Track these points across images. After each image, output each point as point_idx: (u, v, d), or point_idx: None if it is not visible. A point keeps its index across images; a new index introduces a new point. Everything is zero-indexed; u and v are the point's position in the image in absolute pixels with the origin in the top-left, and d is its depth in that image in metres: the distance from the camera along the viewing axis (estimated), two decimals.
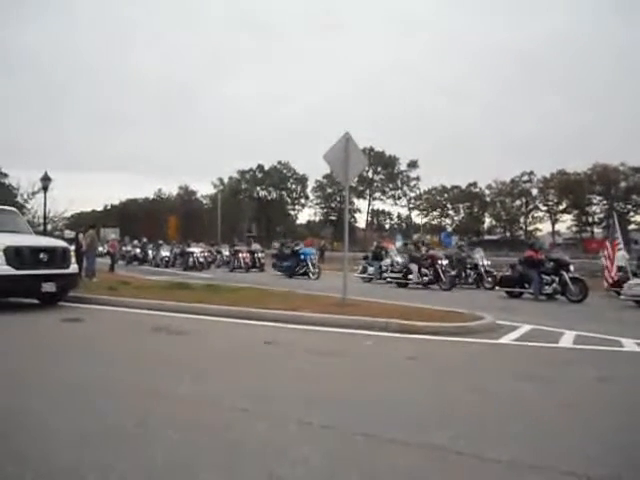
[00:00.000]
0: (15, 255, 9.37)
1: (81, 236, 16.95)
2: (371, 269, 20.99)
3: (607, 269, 15.70)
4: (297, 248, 22.95)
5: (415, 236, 72.52)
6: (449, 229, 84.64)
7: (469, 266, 18.34)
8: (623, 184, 72.86)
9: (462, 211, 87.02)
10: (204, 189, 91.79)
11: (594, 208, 76.85)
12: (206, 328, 8.11)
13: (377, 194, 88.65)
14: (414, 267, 17.70)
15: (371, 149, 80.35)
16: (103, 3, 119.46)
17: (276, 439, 3.36)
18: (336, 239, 64.09)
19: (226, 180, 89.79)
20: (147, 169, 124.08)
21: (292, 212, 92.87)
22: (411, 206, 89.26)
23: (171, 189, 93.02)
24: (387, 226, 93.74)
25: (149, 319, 8.64)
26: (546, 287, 14.23)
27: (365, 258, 22.26)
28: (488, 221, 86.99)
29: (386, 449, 3.25)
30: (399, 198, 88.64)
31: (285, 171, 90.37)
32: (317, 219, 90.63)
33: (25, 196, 25.61)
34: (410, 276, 17.76)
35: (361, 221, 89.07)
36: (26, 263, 9.49)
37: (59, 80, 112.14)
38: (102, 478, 2.75)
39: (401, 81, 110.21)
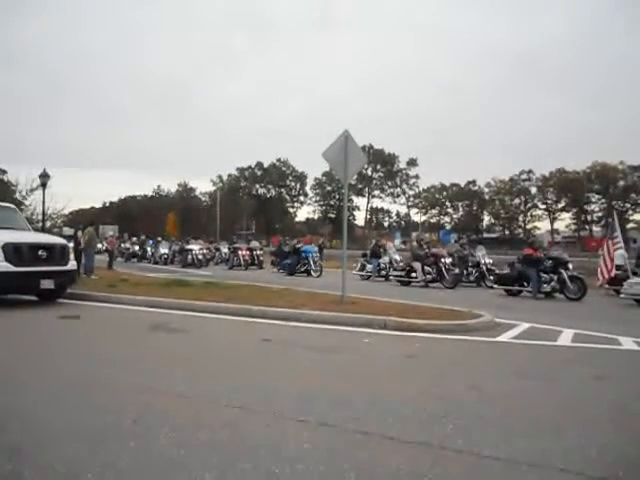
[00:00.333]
0: (13, 252, 9.35)
1: (80, 233, 16.94)
2: (369, 267, 20.99)
3: (601, 266, 15.68)
4: (299, 246, 22.90)
5: (414, 234, 72.60)
6: (448, 227, 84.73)
7: (471, 264, 18.32)
8: (622, 183, 72.92)
9: (461, 209, 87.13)
10: (203, 186, 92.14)
11: (593, 206, 77.11)
12: (205, 325, 8.11)
13: (376, 192, 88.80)
14: (417, 265, 17.68)
15: (370, 147, 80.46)
16: (105, 1, 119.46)
17: (273, 437, 3.35)
18: (335, 237, 64.13)
19: (225, 177, 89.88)
20: (146, 166, 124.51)
21: (291, 210, 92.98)
22: (410, 204, 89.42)
23: (170, 186, 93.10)
24: (386, 224, 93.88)
25: (147, 316, 8.64)
26: (545, 285, 14.23)
27: (364, 256, 22.25)
28: (487, 219, 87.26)
29: (384, 447, 3.25)
30: (398, 196, 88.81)
31: (284, 169, 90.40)
32: (316, 217, 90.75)
33: (24, 193, 25.53)
34: (413, 274, 17.74)
35: (360, 219, 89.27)
36: (24, 260, 9.47)
37: (59, 77, 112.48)
38: (99, 475, 2.74)
39: (401, 79, 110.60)
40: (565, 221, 79.23)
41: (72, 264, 10.56)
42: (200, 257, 27.13)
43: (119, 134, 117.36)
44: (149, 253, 31.72)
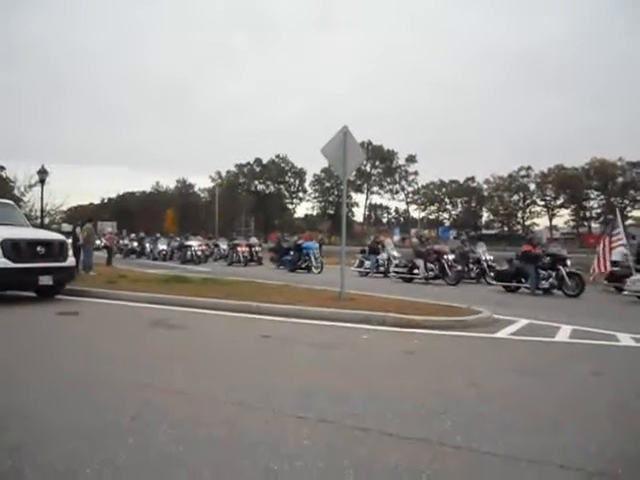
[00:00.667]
0: (12, 248, 9.34)
1: (78, 229, 16.90)
2: (368, 263, 21.00)
3: (596, 260, 15.64)
4: (300, 242, 22.86)
5: (413, 230, 72.70)
6: (447, 223, 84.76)
7: (471, 260, 18.32)
8: (620, 179, 72.94)
9: (460, 205, 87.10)
10: (202, 183, 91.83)
11: (591, 203, 77.07)
12: (204, 322, 8.11)
13: (375, 188, 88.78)
14: (420, 262, 17.68)
15: (369, 143, 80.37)
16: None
17: (272, 433, 3.36)
18: (334, 233, 64.13)
19: (224, 174, 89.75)
20: (145, 163, 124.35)
21: (290, 206, 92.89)
22: (409, 200, 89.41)
23: (169, 182, 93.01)
24: (385, 220, 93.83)
25: (146, 312, 8.64)
26: (543, 282, 14.23)
27: (362, 252, 22.26)
28: (486, 215, 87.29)
29: (383, 443, 3.25)
30: (397, 192, 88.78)
31: (283, 165, 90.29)
32: (315, 213, 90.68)
33: (22, 189, 25.50)
34: (415, 271, 17.74)
35: (359, 215, 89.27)
36: (23, 256, 9.46)
37: (59, 74, 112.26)
38: (98, 471, 2.75)
39: (400, 77, 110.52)
40: (564, 217, 79.36)
41: (71, 260, 10.55)
42: (199, 253, 27.14)
43: (118, 131, 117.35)
44: (148, 249, 31.70)
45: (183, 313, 8.59)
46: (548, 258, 14.37)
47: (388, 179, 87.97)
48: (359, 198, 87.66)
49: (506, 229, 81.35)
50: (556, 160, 76.64)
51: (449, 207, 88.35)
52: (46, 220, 22.53)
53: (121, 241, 35.59)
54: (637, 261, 14.91)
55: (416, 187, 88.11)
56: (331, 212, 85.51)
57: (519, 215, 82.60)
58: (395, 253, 20.80)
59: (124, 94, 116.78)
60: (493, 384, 4.86)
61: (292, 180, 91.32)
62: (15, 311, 8.82)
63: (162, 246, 30.16)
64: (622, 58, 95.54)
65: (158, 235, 33.90)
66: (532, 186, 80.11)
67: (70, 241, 12.29)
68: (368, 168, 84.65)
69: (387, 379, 4.92)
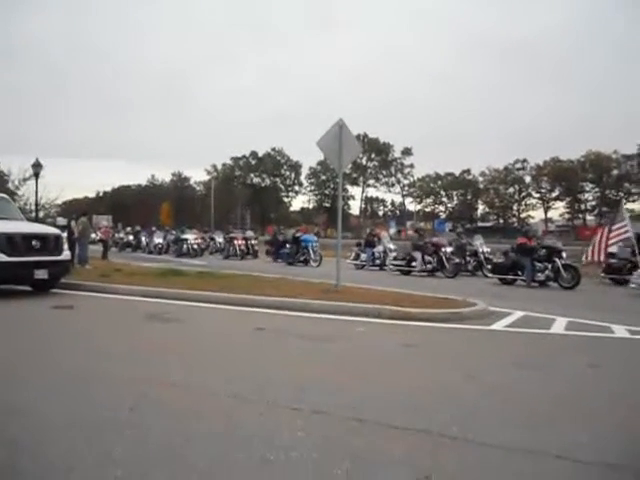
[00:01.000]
0: (7, 242, 9.30)
1: (73, 223, 16.82)
2: (364, 256, 20.99)
3: (590, 248, 15.59)
4: (298, 235, 22.80)
5: (409, 223, 72.79)
6: (442, 216, 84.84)
7: (468, 253, 18.34)
8: (615, 172, 73.08)
9: (455, 198, 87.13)
10: (197, 176, 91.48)
11: (586, 195, 77.20)
12: (199, 315, 8.10)
13: (371, 181, 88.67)
14: (417, 255, 17.69)
15: (365, 135, 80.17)
16: None
17: (268, 425, 3.36)
18: (330, 226, 64.13)
19: (219, 167, 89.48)
20: (140, 156, 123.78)
21: (286, 199, 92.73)
22: (405, 193, 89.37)
23: (164, 176, 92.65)
24: (381, 213, 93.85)
25: (142, 306, 8.62)
26: (539, 274, 14.25)
27: (358, 245, 22.25)
28: (481, 208, 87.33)
29: (379, 434, 3.26)
30: (393, 185, 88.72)
31: (279, 158, 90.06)
32: (311, 206, 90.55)
33: (16, 183, 25.41)
34: (413, 263, 17.76)
35: (355, 208, 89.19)
36: (18, 250, 9.42)
37: (55, 68, 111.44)
38: (97, 464, 2.75)
39: (396, 69, 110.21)
40: (559, 210, 79.49)
41: (66, 254, 10.51)
42: (195, 247, 27.08)
43: (114, 125, 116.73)
44: (143, 243, 31.61)
45: (179, 306, 8.58)
46: (544, 250, 14.40)
47: (384, 172, 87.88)
48: (355, 191, 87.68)
49: (501, 222, 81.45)
50: (552, 153, 76.75)
51: (445, 200, 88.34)
52: (41, 214, 22.49)
53: (116, 235, 35.49)
54: (633, 253, 14.91)
55: (412, 180, 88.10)
56: (327, 205, 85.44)
57: (514, 208, 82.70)
58: (391, 246, 20.81)
59: (121, 88, 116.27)
60: (489, 376, 4.88)
61: (288, 173, 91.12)
62: (10, 305, 8.79)
63: (158, 239, 30.06)
64: (617, 48, 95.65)
65: (154, 228, 33.81)
66: (527, 179, 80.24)
67: (65, 235, 12.23)
68: (364, 161, 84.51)
69: (383, 371, 4.93)
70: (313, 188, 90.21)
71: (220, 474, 2.71)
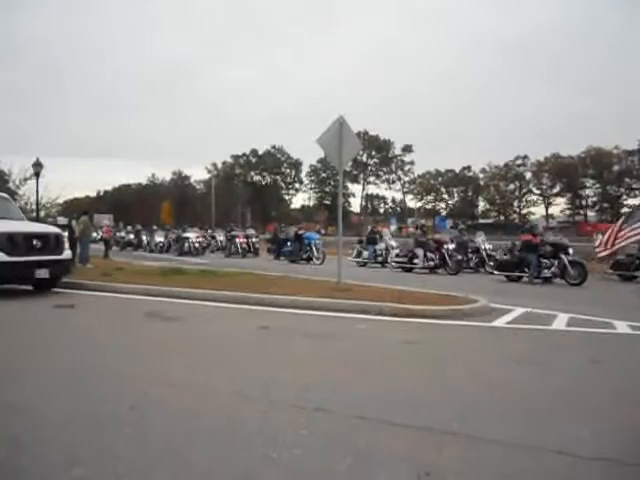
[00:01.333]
0: (8, 242, 9.30)
1: (74, 222, 16.84)
2: (366, 253, 20.99)
3: (607, 238, 15.49)
4: (301, 232, 22.78)
5: (409, 220, 72.71)
6: (443, 213, 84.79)
7: (470, 250, 18.31)
8: (616, 167, 72.95)
9: (456, 195, 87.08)
10: (198, 174, 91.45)
11: (587, 191, 77.10)
12: (202, 313, 8.10)
13: (371, 178, 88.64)
14: (420, 252, 17.68)
15: (365, 133, 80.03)
16: None
17: (271, 423, 3.37)
18: (330, 223, 64.09)
19: (220, 165, 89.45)
20: (140, 155, 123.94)
21: (286, 197, 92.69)
22: (405, 190, 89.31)
23: (164, 174, 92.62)
24: (381, 210, 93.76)
25: (144, 305, 8.62)
26: (545, 271, 14.15)
27: (360, 242, 22.25)
28: (482, 205, 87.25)
29: (382, 432, 3.27)
30: (393, 182, 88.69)
31: (279, 156, 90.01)
32: (311, 203, 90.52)
33: (17, 182, 25.43)
34: (415, 260, 17.74)
35: (355, 205, 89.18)
36: (19, 249, 9.42)
37: (55, 67, 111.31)
38: (98, 462, 2.75)
39: (396, 66, 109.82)
40: (560, 206, 79.40)
41: (67, 253, 10.51)
42: (197, 245, 27.10)
43: (114, 124, 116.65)
44: (145, 242, 31.63)
45: (181, 305, 8.58)
46: (550, 247, 14.31)
47: (384, 169, 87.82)
48: (355, 188, 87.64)
49: (502, 218, 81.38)
50: (552, 149, 76.62)
51: (445, 197, 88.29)
52: (42, 213, 22.50)
53: (118, 233, 35.50)
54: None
55: (412, 177, 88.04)
56: (328, 203, 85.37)
57: (515, 204, 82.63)
58: (393, 243, 20.81)
59: (121, 88, 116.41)
60: (490, 373, 4.88)
61: (288, 171, 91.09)
62: (12, 304, 8.80)
63: (159, 238, 30.08)
64: (615, 43, 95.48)
65: (155, 227, 33.82)
66: (528, 175, 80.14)
67: (66, 234, 12.24)
68: (364, 158, 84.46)
69: (384, 369, 4.93)
70: (314, 186, 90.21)
71: (222, 472, 2.71)
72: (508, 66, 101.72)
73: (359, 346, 6.02)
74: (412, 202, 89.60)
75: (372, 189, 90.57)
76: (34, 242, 9.69)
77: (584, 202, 77.74)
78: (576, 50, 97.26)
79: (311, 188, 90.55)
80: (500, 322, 7.59)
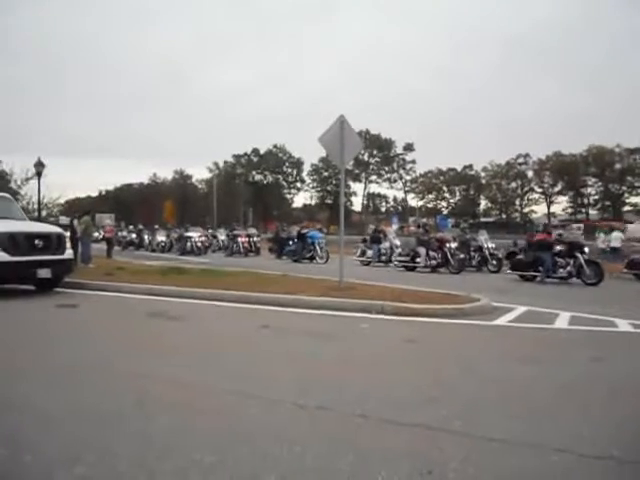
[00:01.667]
0: (10, 241, 9.32)
1: (76, 222, 16.86)
2: (370, 252, 20.98)
3: None
4: (305, 231, 22.74)
5: (411, 219, 72.64)
6: (445, 212, 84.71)
7: (473, 248, 18.28)
8: (618, 166, 72.84)
9: (458, 194, 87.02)
10: (199, 174, 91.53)
11: (589, 190, 77.00)
12: (203, 312, 8.12)
13: (373, 177, 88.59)
14: (422, 250, 17.65)
15: (367, 132, 79.95)
16: None
17: (272, 421, 3.37)
18: (332, 222, 64.07)
19: (221, 164, 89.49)
20: (142, 154, 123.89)
21: (288, 196, 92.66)
22: (407, 189, 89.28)
23: (166, 174, 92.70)
24: (383, 209, 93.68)
25: (145, 304, 8.63)
26: (560, 270, 13.97)
27: (364, 241, 22.24)
28: (484, 203, 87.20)
29: (382, 429, 3.27)
30: (395, 181, 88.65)
31: (281, 155, 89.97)
32: (313, 203, 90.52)
33: (19, 182, 25.49)
34: (418, 259, 17.71)
35: (357, 204, 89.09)
36: (21, 249, 9.44)
37: (55, 64, 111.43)
38: (99, 459, 2.76)
39: (398, 64, 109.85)
40: (562, 204, 79.31)
41: (69, 253, 10.53)
42: (199, 245, 27.12)
43: (115, 123, 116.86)
44: (146, 241, 31.66)
45: (183, 304, 8.59)
46: (565, 246, 14.12)
47: (386, 168, 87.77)
48: (357, 187, 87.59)
49: (504, 216, 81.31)
50: (554, 147, 76.50)
51: (447, 195, 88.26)
52: (43, 213, 22.53)
53: (119, 233, 35.55)
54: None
55: (414, 175, 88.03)
56: (329, 202, 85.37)
57: (517, 202, 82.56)
58: (397, 242, 20.79)
59: (122, 87, 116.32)
60: (492, 371, 4.88)
61: (290, 170, 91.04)
62: (14, 304, 8.82)
63: (161, 238, 30.10)
64: (617, 41, 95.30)
65: (157, 226, 33.85)
66: (530, 173, 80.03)
67: (68, 234, 12.25)
68: (366, 157, 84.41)
69: (386, 367, 4.94)
70: (315, 185, 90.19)
71: (223, 470, 2.72)
72: (510, 64, 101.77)
73: (360, 345, 6.02)
74: (414, 201, 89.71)
75: (374, 188, 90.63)
76: (36, 242, 9.70)
77: (586, 200, 77.65)
78: (578, 47, 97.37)
79: (313, 187, 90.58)
80: (502, 321, 7.58)
